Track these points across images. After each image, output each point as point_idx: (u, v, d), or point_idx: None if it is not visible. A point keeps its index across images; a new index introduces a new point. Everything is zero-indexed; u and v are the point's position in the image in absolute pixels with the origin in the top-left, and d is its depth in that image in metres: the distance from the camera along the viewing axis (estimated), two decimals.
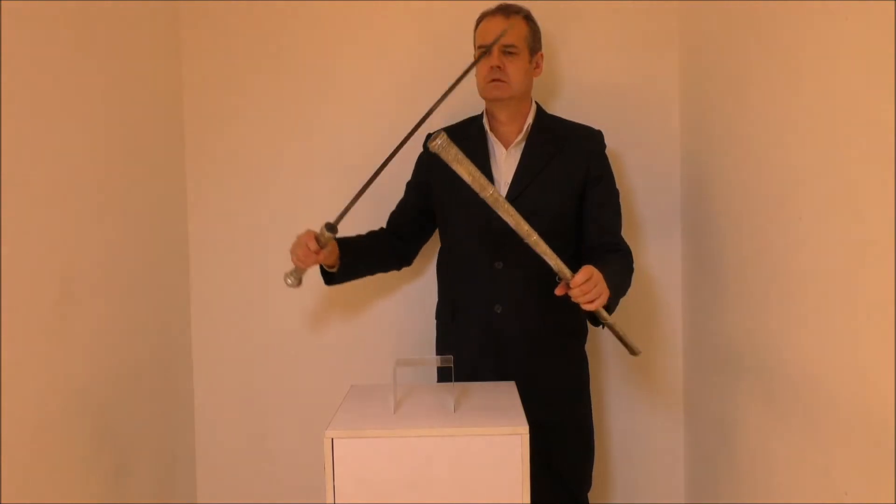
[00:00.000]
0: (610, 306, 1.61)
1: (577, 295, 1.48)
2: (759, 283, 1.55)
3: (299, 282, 1.66)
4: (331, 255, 1.68)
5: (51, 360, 1.53)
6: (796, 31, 1.35)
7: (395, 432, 1.34)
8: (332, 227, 1.58)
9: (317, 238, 1.59)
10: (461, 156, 1.45)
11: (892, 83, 1.04)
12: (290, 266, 1.63)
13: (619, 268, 1.68)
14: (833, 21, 1.22)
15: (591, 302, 1.49)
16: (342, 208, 1.62)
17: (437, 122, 2.02)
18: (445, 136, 1.44)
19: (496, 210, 1.48)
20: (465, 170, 1.46)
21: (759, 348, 1.56)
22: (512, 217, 1.48)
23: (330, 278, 1.78)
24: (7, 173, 1.39)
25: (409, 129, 1.50)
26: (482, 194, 1.47)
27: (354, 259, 1.78)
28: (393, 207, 1.96)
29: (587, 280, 1.48)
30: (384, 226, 1.94)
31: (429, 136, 1.44)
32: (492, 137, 1.82)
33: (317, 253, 1.59)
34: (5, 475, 1.37)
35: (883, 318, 1.08)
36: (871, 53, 1.10)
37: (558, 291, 1.51)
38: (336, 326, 2.20)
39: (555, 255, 1.49)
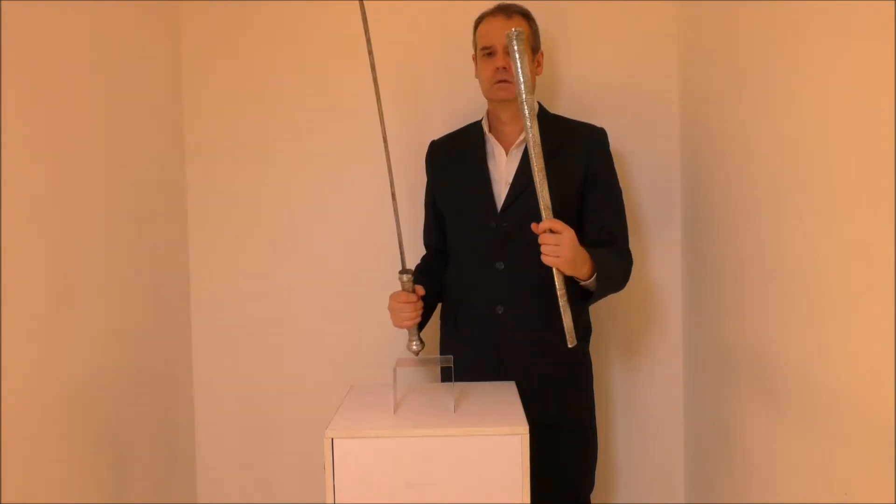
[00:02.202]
0: (595, 294, 1.63)
1: (544, 241, 1.52)
2: (760, 282, 1.55)
3: (422, 341, 1.69)
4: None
5: (51, 360, 1.52)
6: (796, 30, 1.35)
7: (395, 432, 1.34)
8: (406, 271, 1.62)
9: (404, 290, 1.63)
10: (526, 54, 1.48)
11: (892, 83, 1.04)
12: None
13: (609, 258, 1.67)
14: (833, 20, 1.22)
15: (549, 256, 1.51)
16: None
17: (440, 128, 2.03)
18: (524, 32, 1.48)
19: (524, 120, 1.51)
20: (522, 67, 1.48)
21: (759, 348, 1.56)
22: (534, 132, 1.50)
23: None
24: (7, 173, 1.39)
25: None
26: (520, 97, 1.50)
27: (430, 298, 1.81)
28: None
29: (557, 231, 1.51)
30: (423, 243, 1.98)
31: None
32: (491, 139, 1.81)
33: (417, 301, 1.64)
34: (5, 475, 1.37)
35: (883, 318, 1.08)
36: (872, 53, 1.10)
37: (534, 227, 1.54)
38: (336, 326, 2.20)
39: (549, 194, 1.53)
